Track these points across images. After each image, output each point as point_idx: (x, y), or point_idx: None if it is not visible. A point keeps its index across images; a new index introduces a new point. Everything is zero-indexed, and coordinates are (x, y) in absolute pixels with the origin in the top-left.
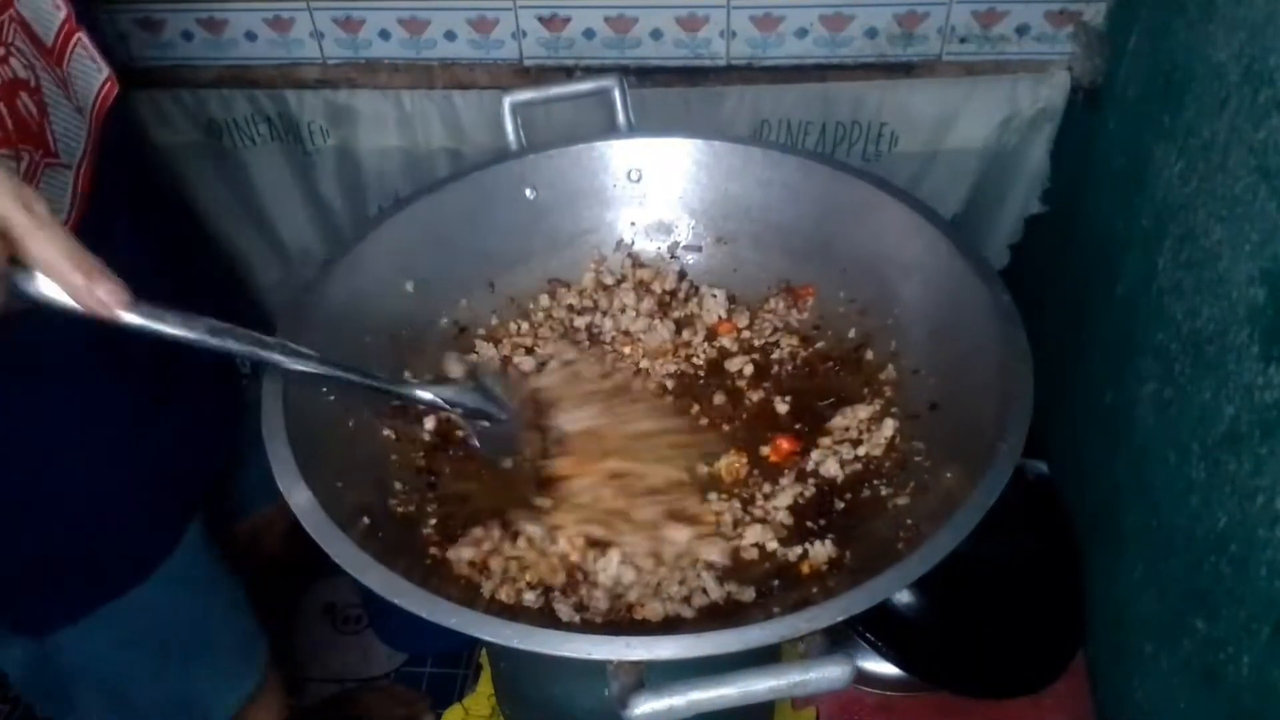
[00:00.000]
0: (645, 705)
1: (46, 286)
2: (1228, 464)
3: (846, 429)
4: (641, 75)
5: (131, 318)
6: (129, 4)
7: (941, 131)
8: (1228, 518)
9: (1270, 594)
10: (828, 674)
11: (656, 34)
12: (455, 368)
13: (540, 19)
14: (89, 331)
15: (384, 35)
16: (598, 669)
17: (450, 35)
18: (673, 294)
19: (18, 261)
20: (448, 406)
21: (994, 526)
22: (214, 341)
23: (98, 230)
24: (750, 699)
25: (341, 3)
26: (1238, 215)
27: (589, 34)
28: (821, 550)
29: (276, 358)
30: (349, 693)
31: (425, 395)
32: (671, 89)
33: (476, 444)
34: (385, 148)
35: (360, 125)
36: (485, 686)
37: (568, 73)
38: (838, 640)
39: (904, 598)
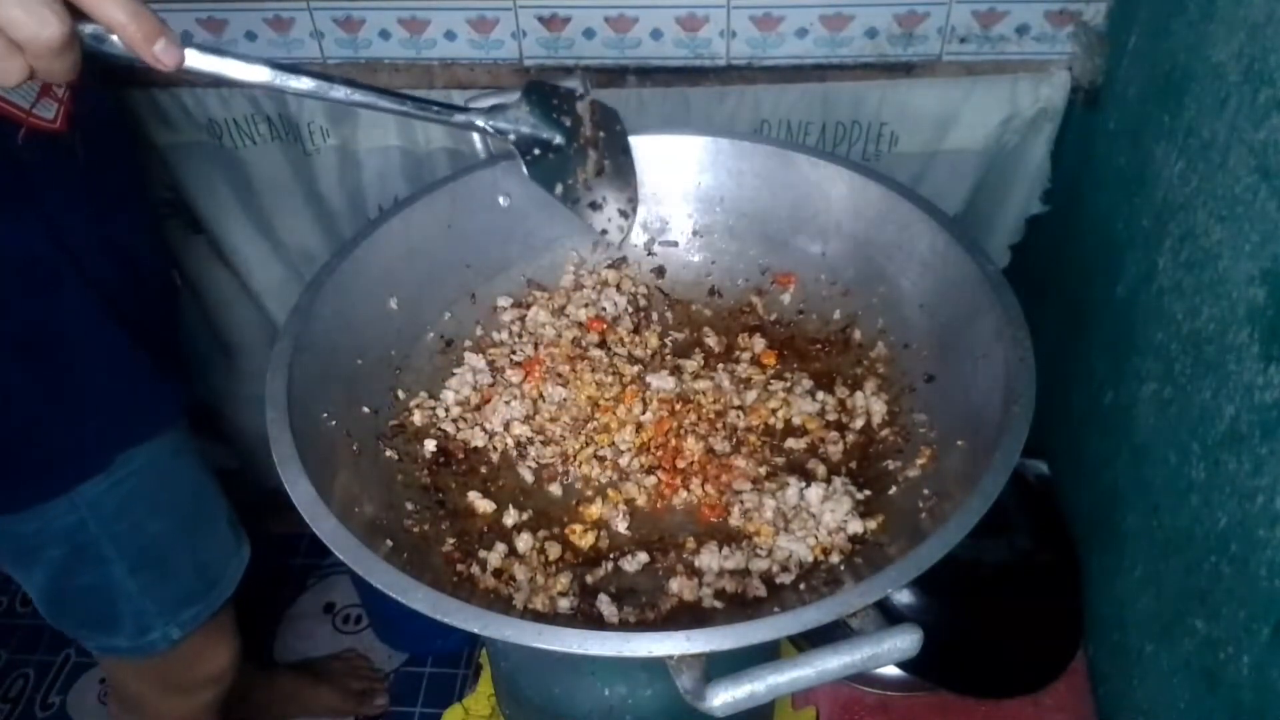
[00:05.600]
0: (724, 695)
1: (113, 44)
2: (1228, 464)
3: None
4: (641, 75)
5: (192, 64)
6: None
7: (941, 131)
8: (1228, 518)
9: (1270, 594)
10: (899, 644)
11: (656, 34)
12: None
13: (540, 19)
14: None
15: (384, 35)
16: (631, 667)
17: (450, 35)
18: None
19: (86, 20)
20: (498, 133)
21: (994, 526)
22: (277, 82)
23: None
24: (826, 677)
25: (341, 3)
26: (1238, 215)
27: (589, 34)
28: (855, 525)
29: (340, 94)
30: (317, 659)
31: (480, 124)
32: (671, 89)
33: (527, 173)
34: (385, 148)
35: (360, 125)
36: (485, 686)
37: (567, 71)
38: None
39: (904, 598)
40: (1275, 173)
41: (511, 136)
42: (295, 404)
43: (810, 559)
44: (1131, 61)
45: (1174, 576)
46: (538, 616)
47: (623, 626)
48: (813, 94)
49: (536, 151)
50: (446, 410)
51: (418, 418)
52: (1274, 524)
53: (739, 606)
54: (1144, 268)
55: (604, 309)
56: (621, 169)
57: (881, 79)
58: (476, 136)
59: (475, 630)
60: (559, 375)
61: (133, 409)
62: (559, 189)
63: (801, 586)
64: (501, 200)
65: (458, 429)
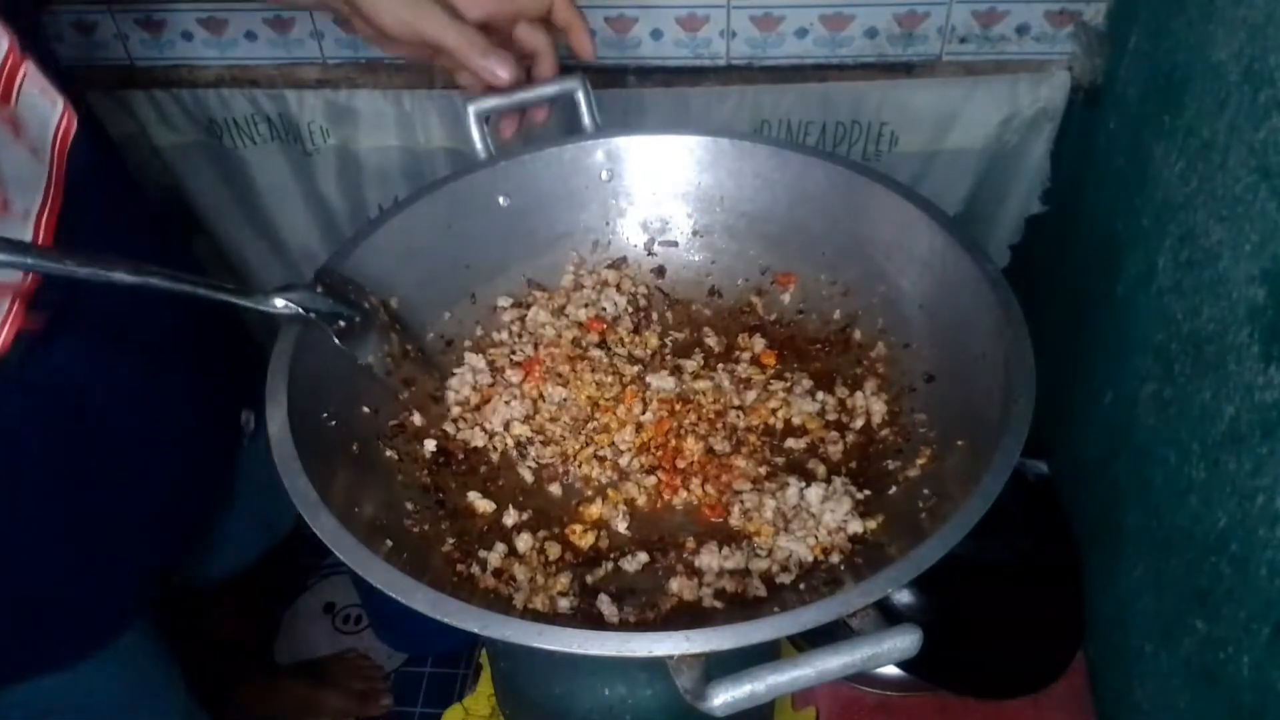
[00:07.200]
0: (725, 695)
1: None
2: (1228, 464)
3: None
4: (641, 75)
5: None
6: (129, 4)
7: (941, 131)
8: (1228, 518)
9: (1270, 594)
10: (899, 644)
11: (656, 34)
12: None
13: None
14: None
15: None
16: (631, 667)
17: None
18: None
19: None
20: (291, 307)
21: (994, 526)
22: (44, 268)
23: (72, 284)
24: (826, 677)
25: None
26: (1238, 215)
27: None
28: (855, 525)
29: (119, 276)
30: (319, 659)
31: (277, 303)
32: (671, 89)
33: (337, 342)
34: (385, 148)
35: (360, 125)
36: (485, 686)
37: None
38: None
39: (904, 597)
40: (1275, 173)
41: (310, 312)
42: (295, 404)
43: (810, 559)
44: (1131, 61)
45: (1174, 576)
46: (538, 616)
47: (623, 626)
48: (813, 94)
49: (342, 323)
50: (446, 410)
51: (418, 418)
52: (1274, 524)
53: (739, 606)
54: (1144, 268)
55: (604, 309)
56: (425, 352)
57: (881, 79)
58: (476, 137)
59: (475, 630)
60: (559, 375)
61: (48, 642)
62: (371, 359)
63: (801, 586)
64: (501, 200)
65: (458, 429)
